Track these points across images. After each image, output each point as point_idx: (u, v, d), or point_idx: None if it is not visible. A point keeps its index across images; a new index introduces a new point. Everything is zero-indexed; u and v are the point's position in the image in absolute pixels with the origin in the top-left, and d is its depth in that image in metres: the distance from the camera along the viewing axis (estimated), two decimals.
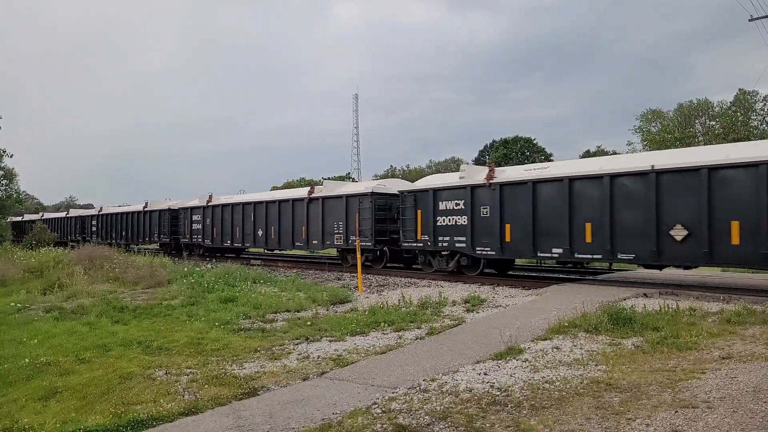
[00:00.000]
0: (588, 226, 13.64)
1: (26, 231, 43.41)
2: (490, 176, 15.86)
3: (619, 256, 13.21)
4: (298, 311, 11.58)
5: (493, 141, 61.18)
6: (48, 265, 18.43)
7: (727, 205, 11.65)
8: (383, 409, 5.42)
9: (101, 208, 39.74)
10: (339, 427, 5.00)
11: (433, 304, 11.58)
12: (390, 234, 19.60)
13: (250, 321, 10.65)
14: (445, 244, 16.85)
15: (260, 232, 24.60)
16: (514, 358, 7.05)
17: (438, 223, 17.02)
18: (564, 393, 5.62)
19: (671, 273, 16.04)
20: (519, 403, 5.42)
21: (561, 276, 16.69)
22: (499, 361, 6.94)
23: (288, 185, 64.01)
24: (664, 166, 12.56)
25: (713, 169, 11.84)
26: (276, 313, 11.45)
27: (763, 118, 47.76)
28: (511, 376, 6.34)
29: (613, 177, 13.25)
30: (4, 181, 36.22)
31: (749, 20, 26.54)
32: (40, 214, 52.75)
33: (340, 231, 20.65)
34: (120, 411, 5.82)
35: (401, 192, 18.44)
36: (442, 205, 16.99)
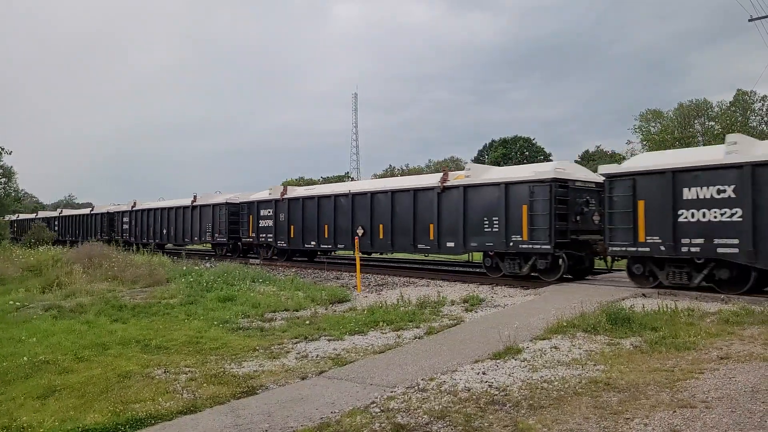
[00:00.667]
0: (326, 227, 21.46)
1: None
2: (283, 193, 23.72)
3: (338, 246, 21.39)
4: (297, 310, 11.58)
5: (492, 141, 61.27)
6: (47, 264, 18.40)
7: (378, 214, 19.29)
8: (382, 408, 5.43)
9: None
10: (337, 426, 5.00)
11: (432, 303, 11.59)
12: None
13: (249, 320, 10.65)
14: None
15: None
16: (513, 357, 7.06)
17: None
18: (562, 393, 5.63)
19: None
20: (517, 402, 5.42)
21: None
22: (498, 361, 6.95)
23: (286, 184, 63.73)
24: (355, 191, 20.85)
25: (374, 193, 19.73)
26: (275, 312, 11.45)
27: (762, 118, 47.83)
28: (509, 375, 6.34)
29: (337, 196, 21.27)
30: (2, 180, 36.19)
31: (749, 20, 26.56)
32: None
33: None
34: (119, 409, 5.82)
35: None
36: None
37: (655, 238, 12.58)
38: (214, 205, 27.37)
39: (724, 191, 11.77)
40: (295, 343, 8.70)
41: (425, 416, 5.15)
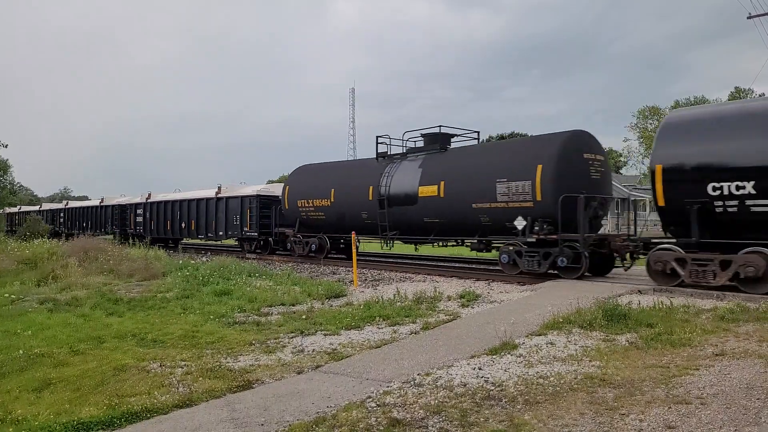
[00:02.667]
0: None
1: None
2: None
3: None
4: (293, 305, 11.57)
5: (490, 137, 61.26)
6: (42, 257, 18.34)
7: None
8: (378, 402, 5.43)
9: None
10: (333, 420, 5.00)
11: (428, 299, 11.59)
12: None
13: (245, 314, 10.64)
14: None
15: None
16: (509, 353, 7.07)
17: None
18: (558, 388, 5.64)
19: None
20: (513, 397, 5.43)
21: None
22: (494, 356, 6.95)
23: (283, 179, 63.76)
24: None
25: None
26: (271, 306, 11.44)
27: None
28: (505, 371, 6.35)
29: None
30: None
31: (747, 18, 26.60)
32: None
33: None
34: (114, 403, 5.81)
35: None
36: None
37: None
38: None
39: (141, 211, 33.40)
40: (292, 337, 8.70)
41: (421, 411, 5.15)
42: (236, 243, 27.90)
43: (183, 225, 29.18)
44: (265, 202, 24.83)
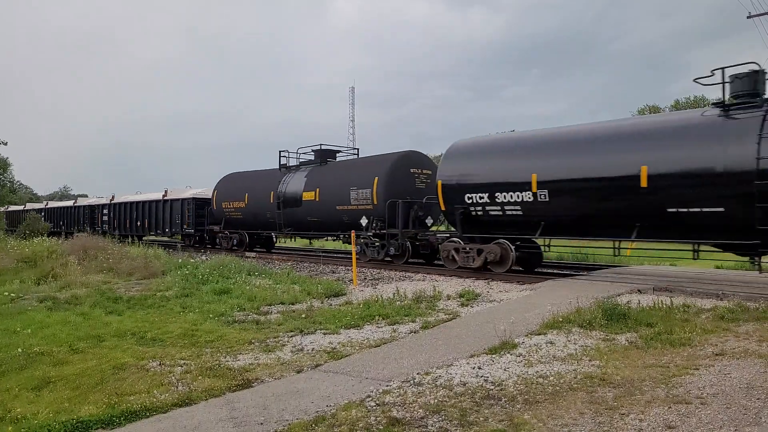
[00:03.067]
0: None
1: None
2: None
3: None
4: (293, 304, 11.57)
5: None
6: (42, 255, 18.33)
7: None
8: (377, 402, 5.43)
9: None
10: (333, 419, 5.00)
11: (428, 298, 11.58)
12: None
13: (245, 313, 10.63)
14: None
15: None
16: (508, 352, 7.06)
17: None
18: (558, 388, 5.64)
19: (667, 270, 16.10)
20: (513, 397, 5.43)
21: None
22: (493, 356, 6.95)
23: None
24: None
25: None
26: (270, 305, 11.44)
27: None
28: (505, 370, 6.35)
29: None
30: None
31: (747, 17, 26.56)
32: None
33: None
34: (113, 401, 5.81)
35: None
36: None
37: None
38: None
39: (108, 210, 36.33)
40: (291, 336, 8.69)
41: (421, 410, 5.15)
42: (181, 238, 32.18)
43: (139, 223, 33.03)
44: (200, 203, 28.88)
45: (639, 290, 11.57)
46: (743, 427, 4.49)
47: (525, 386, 5.73)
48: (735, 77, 11.63)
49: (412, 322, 9.41)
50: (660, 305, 9.40)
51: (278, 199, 23.04)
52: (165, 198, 30.61)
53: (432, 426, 4.79)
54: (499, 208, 14.77)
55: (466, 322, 9.22)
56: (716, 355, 6.63)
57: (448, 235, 16.96)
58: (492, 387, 5.76)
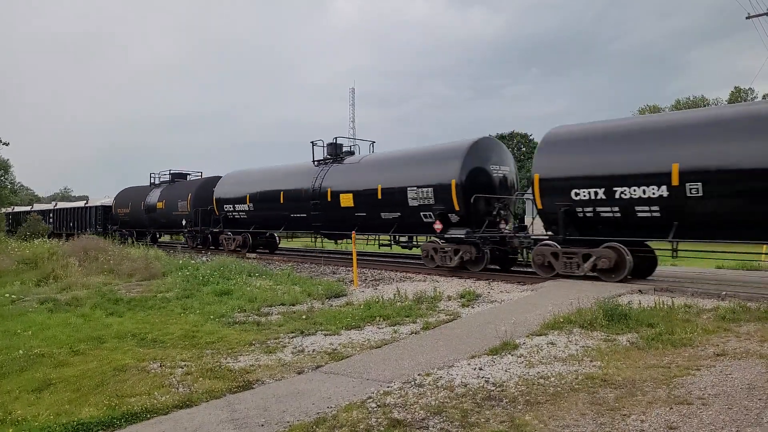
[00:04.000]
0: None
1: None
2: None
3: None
4: (294, 305, 11.56)
5: (489, 136, 61.12)
6: (42, 257, 18.34)
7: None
8: (378, 403, 5.42)
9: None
10: (334, 420, 4.99)
11: (428, 298, 11.57)
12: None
13: (245, 314, 10.63)
14: None
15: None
16: (509, 353, 7.06)
17: None
18: (559, 388, 5.63)
19: (668, 270, 16.09)
20: (514, 398, 5.42)
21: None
22: (494, 356, 6.94)
23: None
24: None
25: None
26: (271, 306, 11.43)
27: None
28: (506, 371, 6.34)
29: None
30: None
31: (746, 18, 26.55)
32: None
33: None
34: (114, 403, 5.80)
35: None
36: None
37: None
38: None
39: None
40: (292, 337, 8.69)
41: (422, 411, 5.15)
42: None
43: (71, 224, 40.89)
44: (105, 209, 37.20)
45: (640, 290, 11.56)
46: (744, 428, 4.48)
47: (526, 387, 5.72)
48: None
49: (413, 323, 9.40)
50: (661, 306, 9.39)
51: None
52: (86, 205, 40.36)
53: (433, 427, 4.79)
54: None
55: (467, 322, 9.21)
56: (717, 355, 6.62)
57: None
58: (493, 388, 5.76)
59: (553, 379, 5.96)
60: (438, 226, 16.45)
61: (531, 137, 58.09)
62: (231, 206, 25.34)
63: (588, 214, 13.05)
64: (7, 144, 35.06)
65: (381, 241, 19.87)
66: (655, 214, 12.01)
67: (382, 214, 18.34)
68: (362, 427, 4.82)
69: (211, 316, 10.25)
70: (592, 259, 12.81)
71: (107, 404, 5.79)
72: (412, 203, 17.14)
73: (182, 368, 7.06)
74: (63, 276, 15.50)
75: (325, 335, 8.75)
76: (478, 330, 8.49)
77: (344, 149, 21.77)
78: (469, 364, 6.65)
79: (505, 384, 5.86)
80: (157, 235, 34.31)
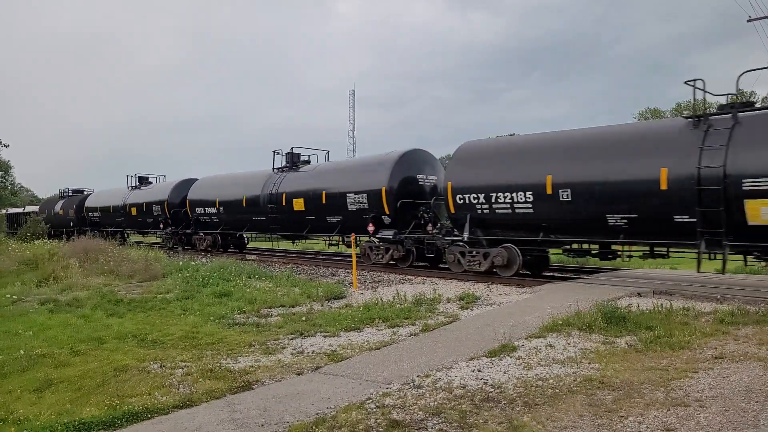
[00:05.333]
0: None
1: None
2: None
3: None
4: (293, 306, 11.59)
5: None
6: (43, 258, 18.37)
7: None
8: (377, 404, 5.45)
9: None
10: (333, 421, 5.02)
11: (428, 301, 11.59)
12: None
13: (245, 316, 10.66)
14: None
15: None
16: (508, 355, 7.08)
17: None
18: (557, 390, 5.66)
19: (667, 273, 16.12)
20: (512, 400, 5.45)
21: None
22: (493, 359, 6.97)
23: None
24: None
25: None
26: (271, 308, 11.46)
27: None
28: (504, 373, 6.37)
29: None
30: None
31: (747, 21, 26.58)
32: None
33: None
34: (115, 403, 5.84)
35: None
36: None
37: None
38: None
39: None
40: (291, 339, 8.72)
41: (420, 412, 5.17)
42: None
43: (17, 228, 41.71)
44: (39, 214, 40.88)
45: (639, 293, 11.59)
46: (742, 430, 4.51)
47: (524, 389, 5.75)
48: None
49: (412, 324, 9.43)
50: (660, 308, 9.42)
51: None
52: (24, 211, 46.64)
53: (432, 428, 4.82)
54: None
55: (466, 325, 9.24)
56: (715, 358, 6.65)
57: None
58: (491, 389, 5.78)
59: (551, 381, 5.99)
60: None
61: None
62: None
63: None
64: (7, 146, 35.14)
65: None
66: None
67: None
68: (361, 428, 4.85)
69: (211, 318, 10.28)
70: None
71: (108, 404, 5.82)
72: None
73: (182, 369, 7.09)
74: (63, 277, 15.53)
75: (325, 337, 8.78)
76: (476, 332, 8.51)
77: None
78: (467, 366, 6.68)
79: (503, 386, 5.88)
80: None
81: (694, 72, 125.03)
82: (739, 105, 11.97)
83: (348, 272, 17.43)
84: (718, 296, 10.98)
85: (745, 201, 10.81)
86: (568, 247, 14.48)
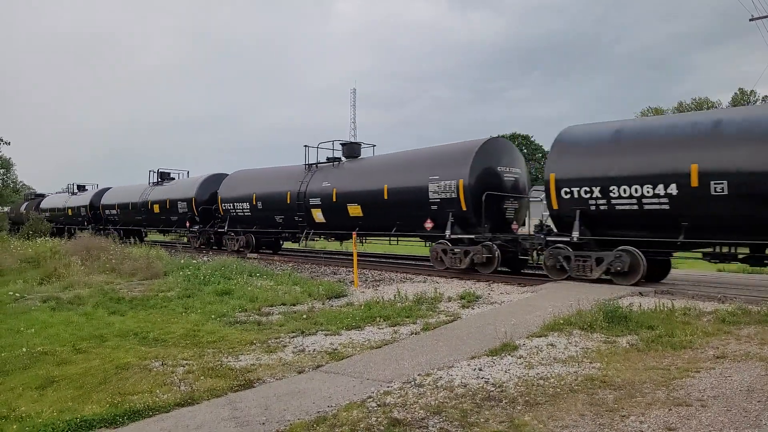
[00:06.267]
0: None
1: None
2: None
3: None
4: (294, 305, 11.59)
5: (490, 138, 61.20)
6: (45, 256, 18.40)
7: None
8: (378, 402, 5.45)
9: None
10: (334, 419, 5.02)
11: (429, 299, 11.60)
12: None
13: (246, 314, 10.66)
14: None
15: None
16: (509, 354, 7.08)
17: None
18: (558, 390, 5.66)
19: (669, 273, 16.10)
20: (513, 398, 5.45)
21: None
22: (494, 357, 6.97)
23: None
24: None
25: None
26: (272, 306, 11.46)
27: None
28: (505, 372, 6.37)
29: None
30: (0, 170, 36.07)
31: (749, 20, 26.58)
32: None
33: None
34: (116, 401, 5.84)
35: None
36: None
37: None
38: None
39: None
40: (292, 337, 8.72)
41: (421, 411, 5.18)
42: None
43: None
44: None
45: (640, 293, 11.58)
46: (743, 430, 4.51)
47: (526, 388, 5.75)
48: None
49: (413, 323, 9.43)
50: (661, 308, 9.41)
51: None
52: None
53: (433, 427, 4.82)
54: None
55: (467, 323, 9.24)
56: (717, 357, 6.64)
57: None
58: (493, 388, 5.78)
59: (552, 380, 5.99)
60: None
61: (533, 138, 58.19)
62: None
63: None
64: (8, 143, 35.17)
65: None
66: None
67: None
68: (362, 426, 4.85)
69: (213, 316, 10.29)
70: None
71: (110, 402, 5.82)
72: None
73: (184, 367, 7.09)
74: (65, 275, 15.54)
75: (326, 335, 8.78)
76: (478, 331, 8.51)
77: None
78: (468, 365, 6.68)
79: (504, 385, 5.88)
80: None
81: (695, 71, 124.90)
82: None
83: (349, 271, 17.43)
84: (720, 296, 10.98)
85: None
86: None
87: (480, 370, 6.47)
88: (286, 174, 22.89)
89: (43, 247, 20.53)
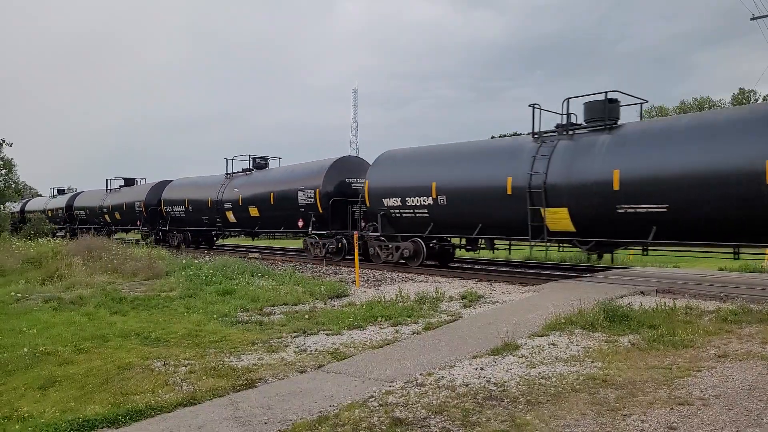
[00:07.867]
0: None
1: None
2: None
3: None
4: (296, 305, 11.60)
5: (492, 137, 61.19)
6: (47, 256, 18.41)
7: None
8: (380, 402, 5.46)
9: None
10: (336, 419, 5.03)
11: (430, 299, 11.61)
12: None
13: (248, 314, 10.67)
14: None
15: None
16: (511, 353, 7.09)
17: None
18: (560, 389, 5.66)
19: (670, 272, 16.10)
20: (515, 398, 5.45)
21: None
22: (496, 357, 6.98)
23: None
24: None
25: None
26: (274, 306, 11.47)
27: None
28: (507, 371, 6.37)
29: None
30: (3, 171, 36.03)
31: (751, 19, 26.56)
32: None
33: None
34: (118, 401, 5.85)
35: None
36: None
37: None
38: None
39: None
40: (294, 337, 8.73)
41: (423, 411, 5.18)
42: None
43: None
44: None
45: (642, 292, 11.58)
46: (745, 429, 4.51)
47: (527, 387, 5.76)
48: None
49: (415, 323, 9.44)
50: (663, 307, 9.41)
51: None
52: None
53: (435, 426, 4.82)
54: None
55: (469, 323, 9.24)
56: (719, 356, 6.64)
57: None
58: (494, 388, 5.79)
59: (554, 379, 5.99)
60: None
61: None
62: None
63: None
64: (11, 144, 35.12)
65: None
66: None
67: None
68: (364, 426, 4.86)
69: (214, 316, 10.30)
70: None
71: (112, 402, 5.83)
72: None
73: (186, 367, 7.10)
74: (67, 275, 15.56)
75: (328, 335, 8.79)
76: (479, 330, 8.52)
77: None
78: (470, 364, 6.69)
79: (506, 384, 5.89)
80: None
81: (696, 70, 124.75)
82: None
83: (351, 270, 17.45)
84: (722, 295, 10.98)
85: None
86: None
87: (482, 369, 6.47)
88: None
89: (45, 248, 20.55)
